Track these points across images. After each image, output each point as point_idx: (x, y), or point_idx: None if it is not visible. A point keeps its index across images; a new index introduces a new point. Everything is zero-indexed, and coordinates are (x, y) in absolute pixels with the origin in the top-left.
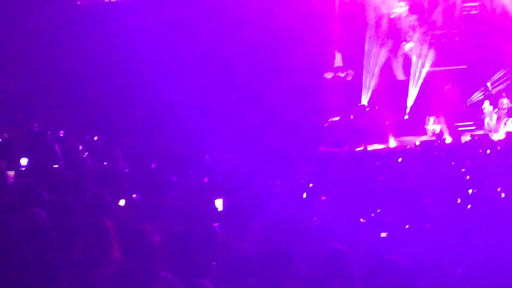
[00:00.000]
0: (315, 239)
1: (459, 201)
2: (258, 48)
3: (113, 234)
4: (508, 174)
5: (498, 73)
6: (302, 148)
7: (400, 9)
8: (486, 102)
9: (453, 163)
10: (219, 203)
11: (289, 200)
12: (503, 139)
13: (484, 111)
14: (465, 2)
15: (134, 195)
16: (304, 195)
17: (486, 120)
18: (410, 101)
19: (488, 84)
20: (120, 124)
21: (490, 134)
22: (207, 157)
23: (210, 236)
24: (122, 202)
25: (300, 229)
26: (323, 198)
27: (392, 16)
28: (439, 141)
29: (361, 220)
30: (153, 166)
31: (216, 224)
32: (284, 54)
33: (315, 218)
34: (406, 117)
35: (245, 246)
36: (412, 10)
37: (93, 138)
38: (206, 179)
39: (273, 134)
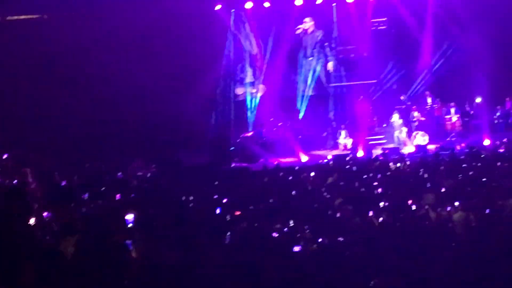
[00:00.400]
0: (228, 254)
1: (371, 214)
2: (168, 65)
3: (23, 253)
4: (417, 186)
5: (408, 86)
6: (215, 164)
7: (306, 24)
8: (396, 116)
9: (364, 177)
10: (131, 219)
11: (202, 215)
12: (412, 152)
13: (394, 124)
14: (373, 18)
15: (45, 213)
16: (218, 211)
17: (396, 133)
18: (323, 116)
19: (402, 97)
20: (31, 141)
21: (400, 147)
22: (120, 174)
23: (121, 252)
24: (32, 221)
25: (213, 244)
26: (237, 213)
27: (297, 32)
28: (351, 155)
29: (274, 234)
30: (64, 184)
31: (128, 240)
32: (194, 71)
33: (228, 233)
34: (325, 134)
35: (158, 262)
36: (318, 25)
37: (2, 156)
38: (118, 196)
39: (186, 150)
